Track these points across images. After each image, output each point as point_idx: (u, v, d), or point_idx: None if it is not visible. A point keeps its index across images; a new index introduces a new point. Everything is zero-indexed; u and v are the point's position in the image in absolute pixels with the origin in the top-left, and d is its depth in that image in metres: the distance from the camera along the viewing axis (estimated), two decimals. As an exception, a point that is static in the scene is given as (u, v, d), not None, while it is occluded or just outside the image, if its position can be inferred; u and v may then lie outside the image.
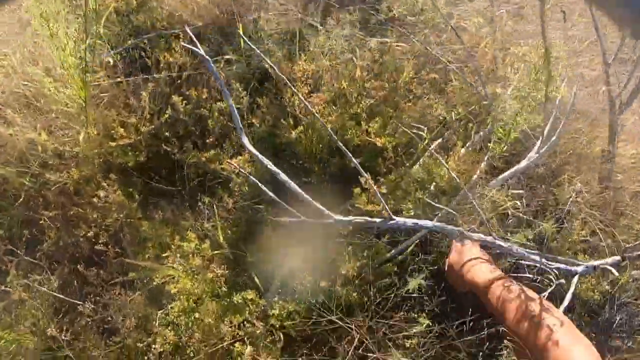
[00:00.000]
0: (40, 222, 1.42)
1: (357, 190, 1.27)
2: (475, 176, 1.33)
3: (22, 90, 1.57)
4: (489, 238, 1.18)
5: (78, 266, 1.28)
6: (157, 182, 1.42)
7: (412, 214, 1.29)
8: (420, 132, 1.42)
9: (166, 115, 1.38)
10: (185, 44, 1.08)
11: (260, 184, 1.03)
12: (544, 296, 1.28)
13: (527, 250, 1.23)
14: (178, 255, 1.18)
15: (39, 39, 1.55)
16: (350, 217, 1.07)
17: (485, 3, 1.83)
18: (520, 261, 1.35)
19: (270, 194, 1.01)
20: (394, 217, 1.09)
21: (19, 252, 1.40)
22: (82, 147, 1.42)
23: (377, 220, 1.09)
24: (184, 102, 1.40)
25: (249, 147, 1.07)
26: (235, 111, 1.06)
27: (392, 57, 1.46)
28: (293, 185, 1.05)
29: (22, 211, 1.50)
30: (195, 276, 1.17)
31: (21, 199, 1.48)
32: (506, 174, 1.40)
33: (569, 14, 1.81)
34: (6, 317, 1.31)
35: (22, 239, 1.43)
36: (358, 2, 1.66)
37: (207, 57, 1.04)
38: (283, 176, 1.05)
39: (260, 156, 1.06)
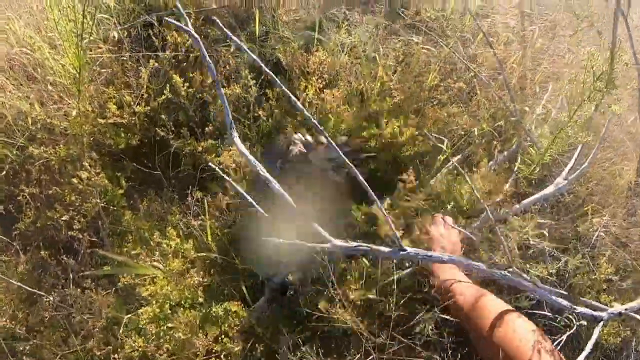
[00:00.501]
0: (19, 198, 1.19)
1: (357, 213, 1.01)
2: (498, 199, 1.09)
3: (19, 57, 1.35)
4: (502, 272, 0.93)
5: (43, 252, 1.05)
6: (148, 169, 1.18)
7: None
8: (440, 145, 1.18)
9: (164, 96, 1.14)
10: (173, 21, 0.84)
11: (246, 195, 0.79)
12: (561, 341, 1.06)
13: (553, 290, 0.99)
14: (157, 253, 0.94)
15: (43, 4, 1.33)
16: (354, 244, 0.83)
17: (517, 18, 1.59)
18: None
19: (257, 207, 0.78)
20: (405, 247, 0.85)
21: (-6, 229, 1.18)
22: (71, 122, 1.19)
23: (385, 249, 0.85)
24: (186, 84, 1.16)
25: (239, 145, 0.83)
26: (225, 98, 0.82)
27: (417, 59, 1.22)
28: (287, 197, 0.82)
29: (4, 186, 1.28)
30: (174, 280, 0.92)
31: (4, 173, 1.27)
32: (531, 199, 1.17)
33: (603, 35, 1.58)
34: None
35: (-1, 214, 1.21)
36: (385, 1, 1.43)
37: (196, 35, 0.81)
38: (276, 185, 0.81)
39: (249, 156, 0.83)
